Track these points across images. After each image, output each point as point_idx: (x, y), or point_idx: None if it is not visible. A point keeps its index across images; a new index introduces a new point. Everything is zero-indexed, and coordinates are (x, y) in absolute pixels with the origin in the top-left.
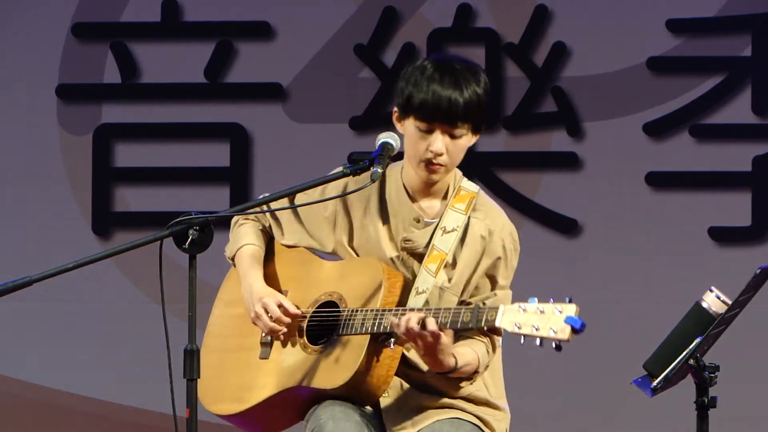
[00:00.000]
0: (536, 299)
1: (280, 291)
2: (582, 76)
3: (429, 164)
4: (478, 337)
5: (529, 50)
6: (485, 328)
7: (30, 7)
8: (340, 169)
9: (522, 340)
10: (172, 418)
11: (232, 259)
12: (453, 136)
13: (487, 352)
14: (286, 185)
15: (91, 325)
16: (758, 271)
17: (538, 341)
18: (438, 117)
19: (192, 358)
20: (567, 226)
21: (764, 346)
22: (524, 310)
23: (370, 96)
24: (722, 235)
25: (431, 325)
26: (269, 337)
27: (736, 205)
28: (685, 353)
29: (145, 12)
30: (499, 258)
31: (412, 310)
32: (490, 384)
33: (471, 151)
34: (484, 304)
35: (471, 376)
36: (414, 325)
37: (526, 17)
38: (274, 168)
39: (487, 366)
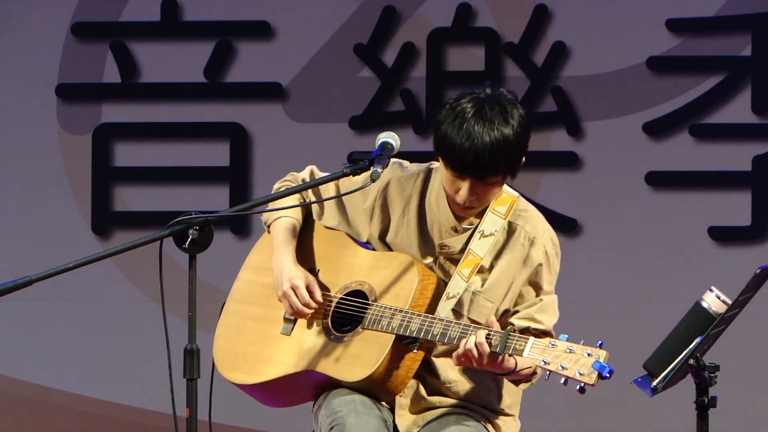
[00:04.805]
0: (567, 336)
1: (312, 268)
2: (582, 75)
3: (459, 206)
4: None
5: (529, 50)
6: (510, 355)
7: (30, 7)
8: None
9: (547, 376)
10: (172, 418)
11: (268, 226)
12: (485, 183)
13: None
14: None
15: (91, 325)
16: (758, 271)
17: (563, 380)
18: (467, 171)
19: (192, 358)
20: (567, 226)
21: (764, 346)
22: (553, 346)
23: (370, 96)
24: (722, 235)
25: (485, 348)
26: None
27: (736, 204)
28: (685, 353)
29: (144, 12)
30: (540, 265)
31: (441, 320)
32: (505, 394)
33: None
34: (514, 331)
35: (529, 377)
36: (472, 347)
37: (526, 17)
38: (273, 168)
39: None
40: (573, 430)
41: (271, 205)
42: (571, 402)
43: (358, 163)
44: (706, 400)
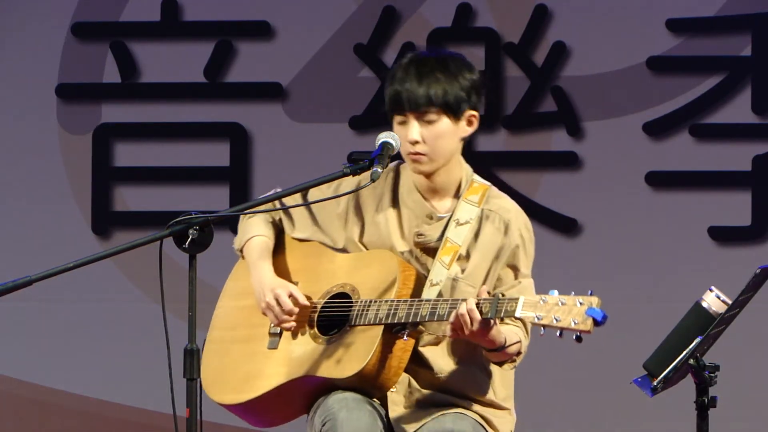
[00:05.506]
0: (556, 291)
1: (291, 282)
2: (582, 75)
3: (410, 154)
4: (512, 323)
5: (529, 50)
6: (503, 319)
7: (30, 7)
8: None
9: (542, 331)
10: (172, 418)
11: (241, 250)
12: (427, 122)
13: (525, 335)
14: (286, 185)
15: (91, 325)
16: (758, 271)
17: (558, 332)
18: (403, 106)
19: (192, 358)
20: (567, 226)
21: (764, 346)
22: (544, 302)
23: (370, 96)
24: (722, 235)
25: (475, 315)
26: (279, 328)
27: (736, 204)
28: (685, 353)
29: (144, 11)
30: (517, 246)
31: (428, 301)
32: (498, 385)
33: (470, 151)
34: (503, 295)
35: (514, 357)
36: (464, 312)
37: (526, 17)
38: (273, 168)
39: (524, 351)
40: (572, 429)
41: (253, 216)
42: (570, 401)
43: (358, 163)
44: (706, 400)
